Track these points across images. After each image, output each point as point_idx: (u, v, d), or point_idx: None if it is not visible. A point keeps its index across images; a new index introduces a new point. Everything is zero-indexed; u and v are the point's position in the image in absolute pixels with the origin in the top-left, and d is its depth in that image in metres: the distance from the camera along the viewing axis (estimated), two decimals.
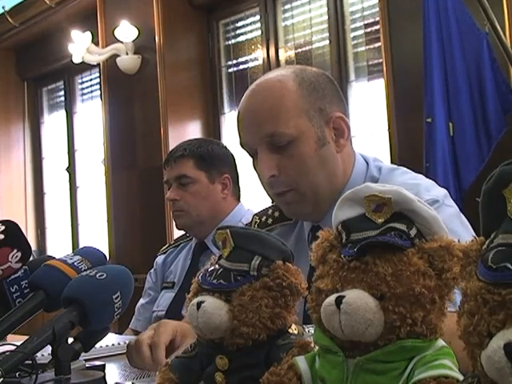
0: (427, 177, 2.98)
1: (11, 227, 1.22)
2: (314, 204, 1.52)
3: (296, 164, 1.48)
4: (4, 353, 0.96)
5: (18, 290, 1.19)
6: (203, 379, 0.92)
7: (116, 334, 2.19)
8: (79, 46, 4.94)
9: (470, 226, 1.44)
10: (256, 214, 1.78)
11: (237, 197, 2.44)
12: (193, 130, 4.74)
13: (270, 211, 1.73)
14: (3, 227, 1.21)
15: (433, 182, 1.54)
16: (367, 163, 1.59)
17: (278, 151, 1.48)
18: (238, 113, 1.55)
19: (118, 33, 4.79)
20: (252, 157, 1.55)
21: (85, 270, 1.10)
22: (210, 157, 2.35)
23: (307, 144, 1.47)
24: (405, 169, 1.62)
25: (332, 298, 0.74)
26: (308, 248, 1.51)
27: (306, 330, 0.96)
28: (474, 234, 1.38)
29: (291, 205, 1.54)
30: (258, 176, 1.55)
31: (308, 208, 1.53)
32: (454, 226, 1.32)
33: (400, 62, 3.52)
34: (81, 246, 5.45)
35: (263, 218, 1.73)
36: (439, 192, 1.48)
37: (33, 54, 6.11)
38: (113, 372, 1.53)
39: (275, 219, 1.70)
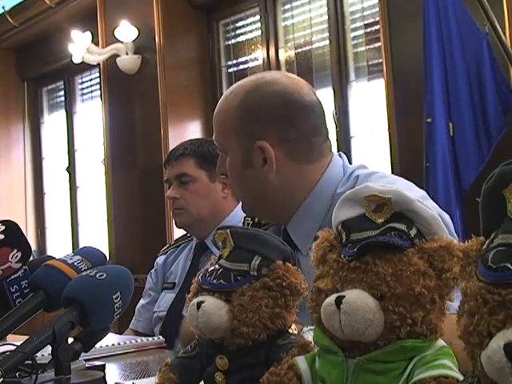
0: (427, 177, 3.00)
1: (11, 227, 1.22)
2: (250, 211, 1.67)
3: (229, 174, 1.61)
4: (4, 353, 0.96)
5: (18, 290, 1.19)
6: (203, 379, 0.92)
7: (116, 333, 2.19)
8: (79, 45, 4.94)
9: (451, 227, 1.43)
10: (246, 216, 1.79)
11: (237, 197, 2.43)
12: (193, 130, 4.74)
13: None
14: (3, 227, 1.21)
15: (411, 184, 1.53)
16: (343, 174, 1.59)
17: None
18: None
19: (117, 33, 4.79)
20: None
21: (85, 270, 1.10)
22: (211, 156, 2.35)
23: (233, 160, 1.57)
24: (382, 172, 1.62)
25: (332, 298, 0.74)
26: None
27: (305, 328, 0.96)
28: (455, 235, 1.39)
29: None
30: None
31: (249, 213, 1.70)
32: None
33: (400, 62, 3.52)
34: (81, 246, 5.45)
35: (256, 219, 1.74)
36: (417, 193, 1.47)
37: (33, 54, 6.11)
38: (113, 372, 1.53)
39: None
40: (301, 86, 1.59)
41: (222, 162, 1.62)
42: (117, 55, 4.89)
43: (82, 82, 6.00)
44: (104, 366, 1.29)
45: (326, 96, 4.01)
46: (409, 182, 1.54)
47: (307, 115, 1.56)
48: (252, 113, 1.54)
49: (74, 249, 5.73)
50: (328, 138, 1.62)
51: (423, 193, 1.50)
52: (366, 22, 3.99)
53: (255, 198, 1.60)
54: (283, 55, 4.46)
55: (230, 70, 4.83)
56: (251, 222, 1.74)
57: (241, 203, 1.69)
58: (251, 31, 4.70)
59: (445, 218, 1.44)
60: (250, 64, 4.67)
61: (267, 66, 4.45)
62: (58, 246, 6.14)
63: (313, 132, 1.56)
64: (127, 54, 4.86)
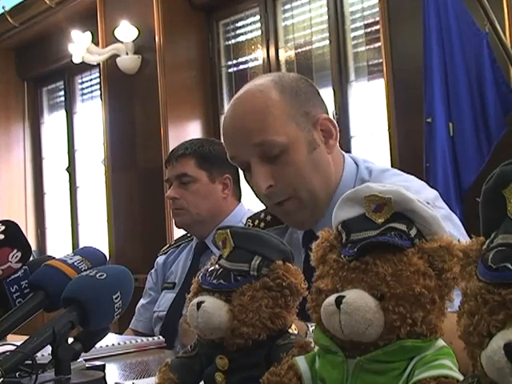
0: (427, 177, 2.99)
1: (11, 227, 1.22)
2: (312, 209, 1.51)
3: (291, 171, 1.46)
4: (4, 353, 0.96)
5: (18, 290, 1.19)
6: (203, 379, 0.92)
7: (116, 334, 2.19)
8: (79, 45, 4.94)
9: (462, 228, 1.43)
10: (249, 218, 1.80)
11: (237, 197, 2.44)
12: (193, 130, 4.74)
13: (263, 215, 1.75)
14: (3, 227, 1.21)
15: (424, 184, 1.53)
16: (357, 165, 1.59)
17: (271, 161, 1.46)
18: (224, 128, 1.54)
19: (117, 33, 4.79)
20: (243, 170, 1.54)
21: (85, 270, 1.10)
22: (212, 156, 2.35)
23: (298, 150, 1.46)
24: (396, 170, 1.62)
25: (332, 298, 0.74)
26: (301, 251, 1.53)
27: (310, 329, 0.96)
28: (466, 235, 1.38)
29: (290, 214, 1.53)
30: (253, 189, 1.54)
31: (307, 214, 1.52)
32: (446, 228, 1.32)
33: (400, 62, 3.52)
34: (81, 246, 5.45)
35: (256, 222, 1.74)
36: (430, 194, 1.47)
37: (33, 54, 6.11)
38: (113, 372, 1.53)
39: (267, 223, 1.71)
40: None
41: (266, 172, 1.46)
42: (117, 55, 4.89)
43: (82, 82, 5.99)
44: (104, 366, 1.29)
45: (326, 96, 4.00)
46: (421, 182, 1.54)
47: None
48: (297, 95, 1.50)
49: (74, 249, 5.73)
50: None
51: (435, 193, 1.49)
52: (365, 22, 3.99)
53: (325, 181, 1.51)
54: (283, 55, 4.46)
55: (230, 70, 4.83)
56: (251, 225, 1.75)
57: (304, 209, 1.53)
58: (251, 31, 4.70)
59: (454, 219, 1.44)
60: (250, 64, 4.67)
61: (267, 65, 4.44)
62: (58, 246, 6.14)
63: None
64: (127, 54, 4.86)
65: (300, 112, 1.48)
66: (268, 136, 1.45)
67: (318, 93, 1.59)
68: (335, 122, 1.54)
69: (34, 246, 5.98)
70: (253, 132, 1.46)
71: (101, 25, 5.09)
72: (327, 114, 1.55)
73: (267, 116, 1.45)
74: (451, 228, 1.38)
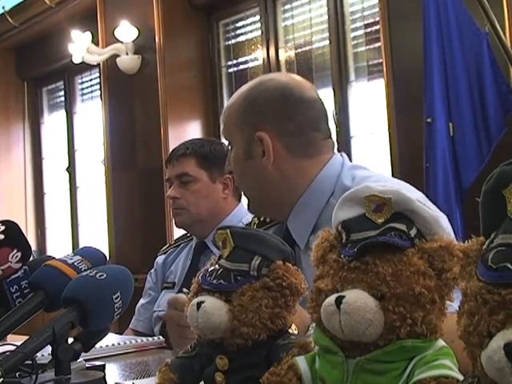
0: (427, 177, 2.99)
1: (11, 227, 1.22)
2: (254, 208, 1.68)
3: (233, 168, 1.66)
4: (4, 353, 0.96)
5: (18, 290, 1.19)
6: (203, 379, 0.92)
7: (116, 333, 2.19)
8: (79, 45, 4.94)
9: (450, 229, 1.43)
10: (255, 216, 1.80)
11: (238, 197, 2.43)
12: (193, 130, 4.74)
13: None
14: (3, 227, 1.21)
15: (409, 186, 1.52)
16: (342, 170, 1.59)
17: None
18: None
19: (117, 33, 4.79)
20: None
21: (85, 270, 1.10)
22: (213, 156, 2.35)
23: (236, 153, 1.62)
24: (380, 176, 1.62)
25: (332, 298, 0.74)
26: None
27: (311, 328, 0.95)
28: (453, 235, 1.38)
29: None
30: None
31: (254, 210, 1.70)
32: None
33: (400, 62, 3.52)
34: (81, 246, 5.45)
35: (262, 218, 1.75)
36: (415, 196, 1.46)
37: (33, 54, 6.11)
38: (113, 372, 1.53)
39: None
40: (303, 84, 1.62)
41: (229, 160, 1.66)
42: (117, 55, 4.89)
43: (82, 82, 5.99)
44: (104, 366, 1.29)
45: (326, 96, 4.01)
46: (406, 184, 1.54)
47: (306, 109, 1.58)
48: (252, 106, 1.59)
49: (74, 249, 5.73)
50: (330, 137, 1.62)
51: (420, 194, 1.49)
52: (366, 22, 3.99)
53: (256, 191, 1.62)
54: (283, 55, 4.46)
55: (230, 70, 4.83)
56: (257, 222, 1.76)
57: (247, 203, 1.70)
58: (251, 31, 4.70)
59: (441, 220, 1.43)
60: (250, 64, 4.67)
61: (267, 65, 4.44)
62: (58, 246, 6.14)
63: (311, 127, 1.58)
64: (127, 54, 4.86)
65: (247, 122, 1.59)
66: (223, 132, 1.68)
67: (288, 106, 1.57)
68: (270, 143, 1.56)
69: (34, 246, 5.98)
70: (221, 125, 1.71)
71: (101, 25, 5.09)
72: (278, 132, 1.56)
73: (226, 115, 1.66)
74: None
